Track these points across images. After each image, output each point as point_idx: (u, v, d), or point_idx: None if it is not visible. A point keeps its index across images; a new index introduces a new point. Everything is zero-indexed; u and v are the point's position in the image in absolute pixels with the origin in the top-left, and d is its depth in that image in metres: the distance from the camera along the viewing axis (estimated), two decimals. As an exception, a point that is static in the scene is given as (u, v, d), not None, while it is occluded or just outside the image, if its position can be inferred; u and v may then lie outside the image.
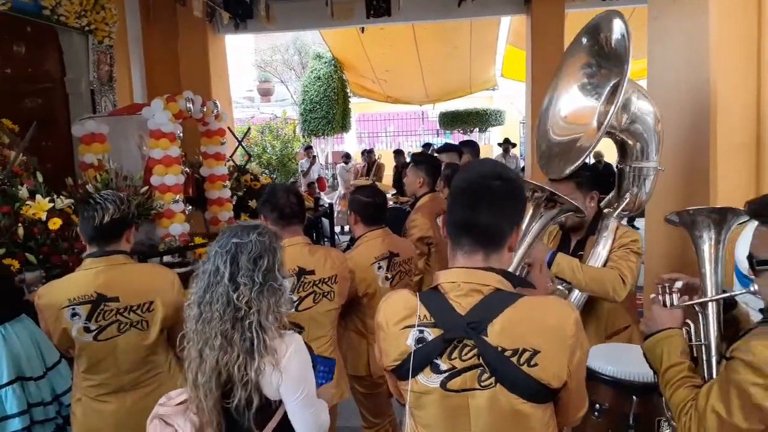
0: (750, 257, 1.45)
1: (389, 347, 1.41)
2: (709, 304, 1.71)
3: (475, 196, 1.35)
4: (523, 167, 10.06)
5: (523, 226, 1.68)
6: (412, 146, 19.04)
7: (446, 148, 5.19)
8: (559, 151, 2.57)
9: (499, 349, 1.28)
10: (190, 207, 6.03)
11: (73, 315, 2.04)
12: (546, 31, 8.09)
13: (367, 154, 12.13)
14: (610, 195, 2.59)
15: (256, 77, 20.40)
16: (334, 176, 13.62)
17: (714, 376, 1.63)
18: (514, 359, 1.27)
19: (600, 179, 2.58)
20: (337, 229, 10.37)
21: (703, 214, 1.78)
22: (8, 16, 5.59)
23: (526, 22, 8.56)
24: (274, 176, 12.36)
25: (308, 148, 12.36)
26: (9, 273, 3.02)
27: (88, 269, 2.09)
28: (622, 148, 2.48)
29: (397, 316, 1.39)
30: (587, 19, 8.64)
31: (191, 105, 5.63)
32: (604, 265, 2.37)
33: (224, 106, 7.42)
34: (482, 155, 7.28)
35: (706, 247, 1.76)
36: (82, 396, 2.17)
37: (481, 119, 18.35)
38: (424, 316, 1.35)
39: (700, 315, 1.72)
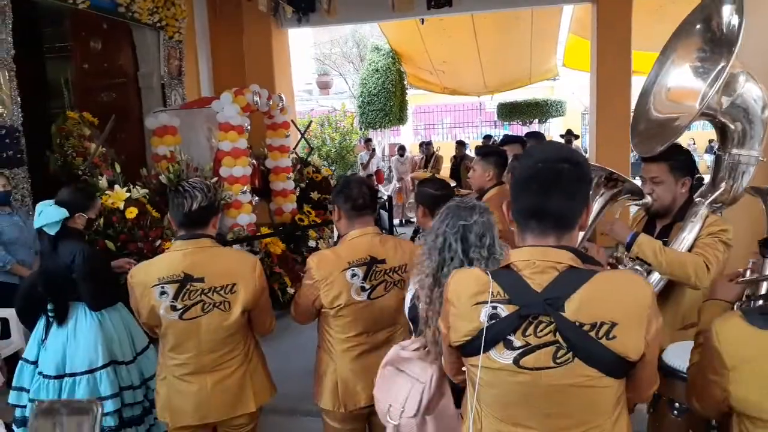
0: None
1: (459, 323, 1.39)
2: (765, 283, 1.73)
3: (546, 181, 1.32)
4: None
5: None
6: (468, 138, 18.86)
7: (510, 139, 5.11)
8: (657, 132, 2.49)
9: (577, 324, 1.27)
10: (256, 198, 6.19)
11: (162, 293, 2.13)
12: (612, 20, 7.85)
13: (426, 146, 12.09)
14: (705, 185, 2.48)
15: (315, 70, 20.67)
16: (390, 169, 13.65)
17: None
18: (592, 333, 1.27)
19: (694, 167, 2.46)
20: (396, 221, 10.41)
21: None
22: (86, 13, 5.85)
23: (591, 11, 8.33)
24: (333, 168, 12.52)
25: (368, 141, 12.43)
26: (108, 263, 3.22)
27: (177, 251, 2.18)
28: (723, 134, 2.36)
29: (468, 291, 1.38)
30: (653, 5, 8.24)
31: (258, 98, 5.77)
32: (689, 251, 2.30)
33: (287, 99, 7.56)
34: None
35: None
36: (167, 375, 2.27)
37: (541, 110, 18.01)
38: (498, 292, 1.33)
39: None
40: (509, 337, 1.32)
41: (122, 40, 6.98)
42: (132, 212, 4.50)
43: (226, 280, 2.18)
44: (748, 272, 1.76)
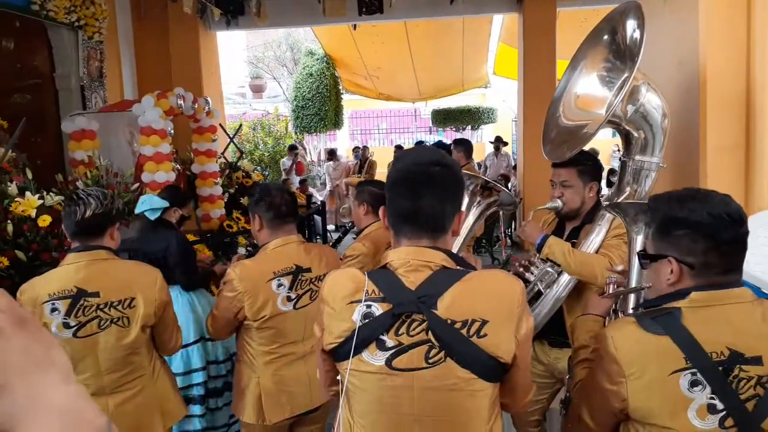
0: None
1: (333, 324, 1.36)
2: (630, 295, 1.81)
3: (418, 183, 1.34)
4: (515, 165, 10.08)
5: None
6: (404, 143, 19.01)
7: (438, 147, 5.16)
8: (566, 138, 2.58)
9: (449, 321, 1.27)
10: (181, 204, 6.01)
11: (53, 310, 2.00)
12: (538, 30, 8.10)
13: (361, 150, 12.10)
14: (611, 190, 2.60)
15: (248, 73, 20.33)
16: (323, 174, 13.60)
17: None
18: (463, 331, 1.27)
19: (601, 172, 2.57)
20: (330, 227, 10.36)
21: (636, 208, 1.83)
22: (-3, 11, 5.54)
23: (518, 21, 8.57)
24: (266, 173, 12.34)
25: (292, 147, 12.22)
26: (193, 249, 3.51)
27: (70, 264, 2.05)
28: (627, 141, 2.47)
29: (344, 291, 1.35)
30: (579, 18, 8.58)
31: (182, 102, 5.60)
32: (597, 252, 2.38)
33: (216, 103, 7.38)
34: (475, 153, 7.28)
35: (639, 239, 1.83)
36: None
37: (474, 117, 18.37)
38: (373, 291, 1.32)
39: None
40: (382, 336, 1.30)
41: (37, 40, 6.64)
42: (45, 220, 4.26)
43: (124, 294, 2.07)
44: (610, 287, 1.81)
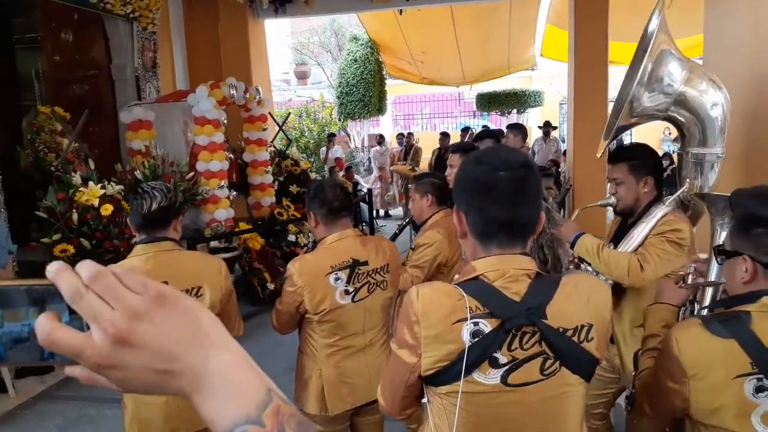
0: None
1: (434, 347, 1.25)
2: (708, 288, 1.76)
3: (514, 189, 1.27)
4: (565, 151, 9.88)
5: None
6: (448, 128, 18.82)
7: (484, 134, 5.05)
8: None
9: (561, 330, 1.24)
10: (234, 192, 6.13)
11: None
12: (590, 10, 7.88)
13: (405, 137, 12.05)
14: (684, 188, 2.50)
15: (293, 60, 20.44)
16: (369, 159, 13.60)
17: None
18: (575, 338, 1.25)
19: (657, 166, 2.46)
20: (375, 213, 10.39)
21: (724, 200, 1.73)
22: (56, 3, 5.72)
23: (569, 2, 8.35)
24: (312, 160, 12.44)
25: (331, 136, 12.21)
26: None
27: (138, 255, 2.10)
28: (681, 132, 2.41)
29: (443, 310, 1.25)
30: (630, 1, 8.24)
31: (234, 91, 5.70)
32: (638, 248, 2.31)
33: (264, 92, 7.47)
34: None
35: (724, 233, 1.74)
36: None
37: (520, 100, 18.04)
38: (476, 306, 1.23)
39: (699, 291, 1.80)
40: (495, 354, 1.23)
41: (94, 32, 6.83)
42: (107, 209, 4.42)
43: (191, 284, 2.11)
44: (690, 277, 1.76)
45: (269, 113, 6.96)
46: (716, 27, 2.83)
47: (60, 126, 4.95)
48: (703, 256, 1.87)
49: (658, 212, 2.29)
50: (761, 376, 1.30)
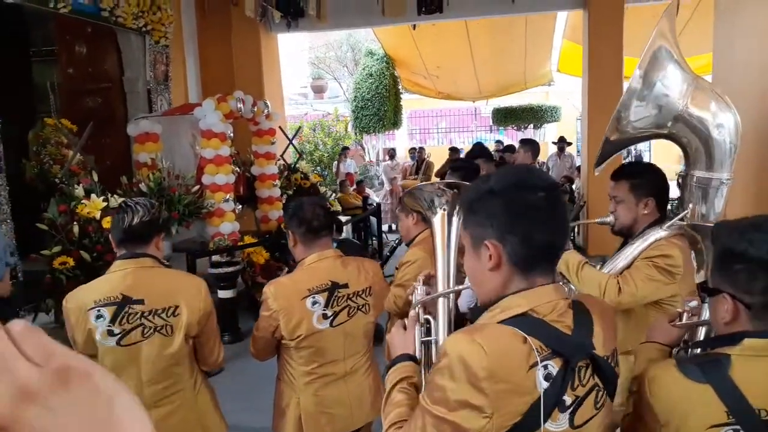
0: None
1: (512, 401, 1.10)
2: (701, 328, 1.63)
3: (555, 213, 1.19)
4: (579, 167, 9.73)
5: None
6: (464, 143, 18.78)
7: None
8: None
9: (606, 358, 1.20)
10: (240, 206, 6.10)
11: (98, 317, 1.99)
12: (604, 26, 7.79)
13: (417, 152, 12.00)
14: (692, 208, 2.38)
15: (310, 74, 20.58)
16: (380, 174, 13.59)
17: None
18: (612, 364, 1.22)
19: (661, 186, 2.33)
20: (384, 227, 10.31)
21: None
22: (70, 17, 5.78)
23: (583, 18, 8.27)
24: (326, 173, 12.44)
25: (345, 149, 12.23)
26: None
27: (116, 271, 2.05)
28: (685, 154, 2.29)
29: (515, 357, 1.10)
30: (647, 14, 8.22)
31: (241, 105, 5.69)
32: (623, 270, 2.21)
33: (276, 105, 7.47)
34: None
35: None
36: None
37: (536, 115, 17.91)
38: (540, 347, 1.11)
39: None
40: (564, 397, 1.13)
41: (107, 45, 6.90)
42: (109, 222, 4.40)
43: (168, 302, 2.05)
44: (685, 315, 1.63)
45: (279, 127, 6.95)
46: (726, 45, 2.74)
47: (65, 139, 4.96)
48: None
49: (652, 236, 2.17)
50: (737, 427, 1.18)
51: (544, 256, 1.20)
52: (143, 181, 5.13)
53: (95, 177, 4.69)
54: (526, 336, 1.11)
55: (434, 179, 11.46)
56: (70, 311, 2.04)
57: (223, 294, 4.94)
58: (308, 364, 2.22)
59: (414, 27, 9.12)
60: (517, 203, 1.18)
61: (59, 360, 0.41)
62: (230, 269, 4.98)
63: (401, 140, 19.55)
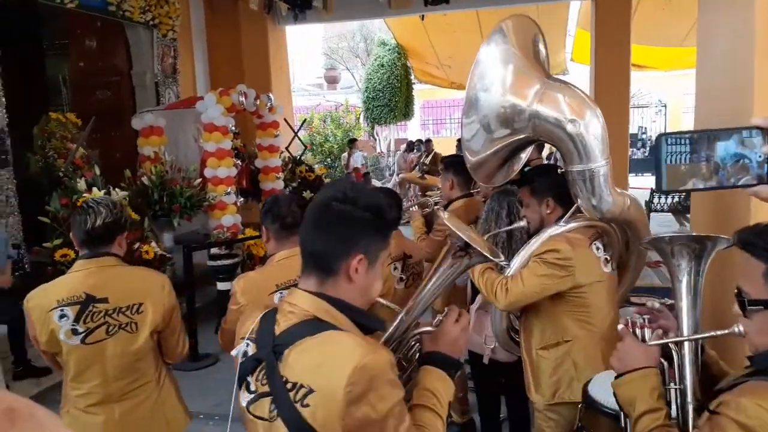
0: (738, 294, 1.25)
1: None
2: (686, 343, 1.46)
3: (313, 218, 1.25)
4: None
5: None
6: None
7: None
8: None
9: (284, 380, 1.17)
10: (242, 199, 6.18)
11: (62, 316, 2.00)
12: (611, 14, 7.73)
13: (425, 144, 11.98)
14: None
15: (324, 64, 20.60)
16: (393, 164, 13.61)
17: (690, 426, 1.39)
18: (291, 393, 1.16)
19: (557, 184, 2.31)
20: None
21: (682, 242, 1.50)
22: (80, 12, 5.89)
23: (590, 6, 8.19)
24: (336, 165, 12.49)
25: (352, 141, 12.25)
26: None
27: (79, 270, 2.06)
28: (560, 152, 2.28)
29: (242, 326, 1.34)
30: (655, 1, 8.03)
31: (243, 99, 5.75)
32: (521, 269, 2.32)
33: (283, 98, 7.53)
34: (548, 145, 7.00)
35: (685, 279, 1.51)
36: (70, 408, 2.12)
37: (551, 105, 17.76)
38: (253, 329, 1.27)
39: (675, 355, 1.46)
40: (248, 378, 1.26)
41: (116, 39, 7.01)
42: (110, 215, 4.51)
43: (133, 300, 2.08)
44: (647, 330, 1.50)
45: (285, 119, 7.01)
46: (707, 40, 2.73)
47: (69, 134, 5.06)
48: (656, 304, 1.63)
49: (544, 234, 2.26)
50: None
51: (302, 256, 1.28)
52: (146, 174, 5.23)
53: (97, 170, 4.80)
54: (260, 317, 1.26)
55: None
56: (32, 310, 2.04)
57: (221, 286, 5.03)
58: None
59: (422, 18, 9.09)
60: None
61: (3, 402, 0.47)
62: (228, 262, 5.06)
63: (414, 130, 19.50)
